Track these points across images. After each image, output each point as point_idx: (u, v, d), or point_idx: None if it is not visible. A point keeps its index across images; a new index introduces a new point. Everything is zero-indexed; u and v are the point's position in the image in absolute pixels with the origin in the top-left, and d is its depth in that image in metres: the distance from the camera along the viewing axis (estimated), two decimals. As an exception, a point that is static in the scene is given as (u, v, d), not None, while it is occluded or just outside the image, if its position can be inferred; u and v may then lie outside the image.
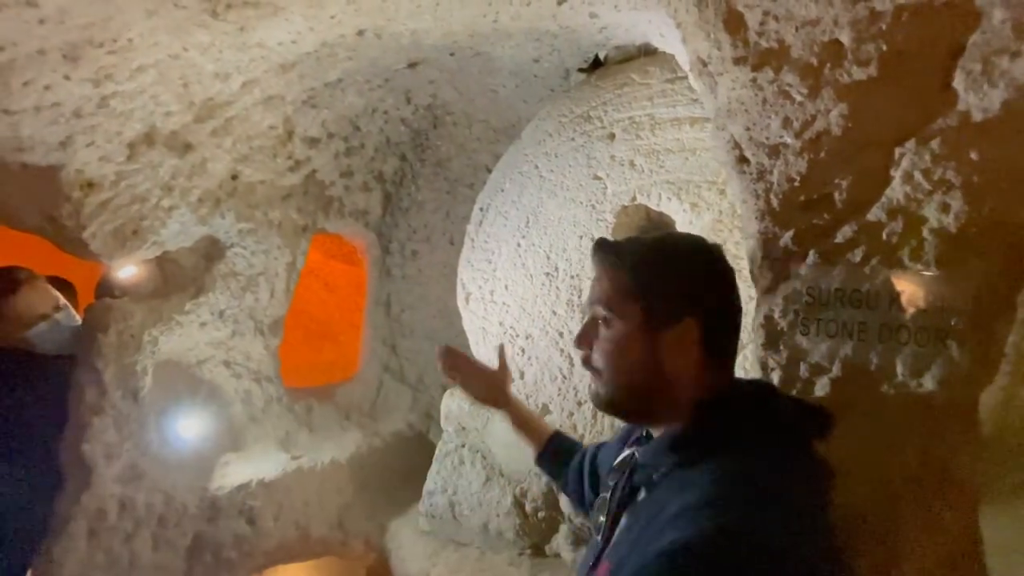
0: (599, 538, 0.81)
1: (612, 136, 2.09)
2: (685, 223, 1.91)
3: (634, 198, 1.99)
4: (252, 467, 2.30)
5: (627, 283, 0.80)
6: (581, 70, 2.48)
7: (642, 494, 0.78)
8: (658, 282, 0.79)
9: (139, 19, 1.27)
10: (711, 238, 1.81)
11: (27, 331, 1.76)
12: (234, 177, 2.23)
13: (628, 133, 2.06)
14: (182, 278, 2.18)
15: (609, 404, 0.82)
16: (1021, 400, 2.18)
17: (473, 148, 3.11)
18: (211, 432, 2.26)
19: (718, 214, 1.83)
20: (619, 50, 2.24)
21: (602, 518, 0.82)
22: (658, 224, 2.01)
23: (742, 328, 0.87)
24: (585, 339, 0.84)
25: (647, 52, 2.13)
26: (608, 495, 0.83)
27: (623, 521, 0.78)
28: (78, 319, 1.90)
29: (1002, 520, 1.96)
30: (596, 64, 2.40)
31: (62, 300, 1.85)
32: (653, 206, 1.97)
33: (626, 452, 0.88)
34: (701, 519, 0.59)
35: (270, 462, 2.36)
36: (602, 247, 0.86)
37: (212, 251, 2.30)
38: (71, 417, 1.81)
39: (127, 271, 2.09)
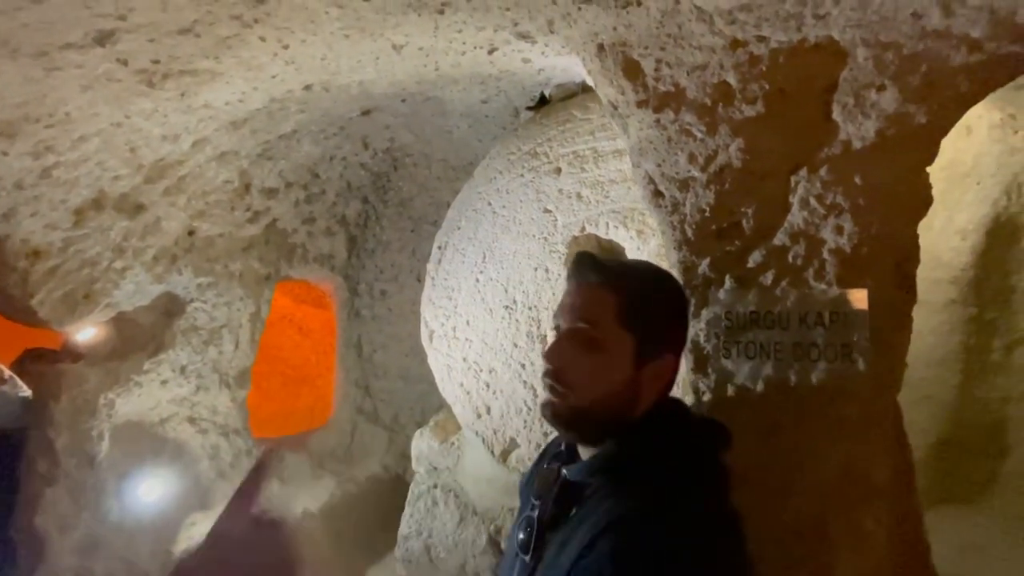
0: (526, 557, 0.81)
1: (559, 170, 2.16)
2: (633, 249, 1.96)
3: (583, 228, 2.05)
4: (220, 526, 2.24)
5: (622, 309, 0.79)
6: (529, 108, 2.57)
7: (573, 511, 0.79)
8: (653, 316, 0.80)
9: (74, 94, 1.31)
10: (658, 263, 1.88)
11: (-28, 406, 1.72)
12: (191, 233, 2.24)
13: (573, 167, 2.13)
14: (140, 337, 2.16)
15: (570, 422, 0.80)
16: (976, 397, 2.24)
17: (434, 187, 3.18)
18: (175, 492, 2.20)
19: (663, 239, 1.89)
20: (561, 88, 2.34)
21: (522, 535, 0.83)
22: (609, 252, 2.07)
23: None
24: (563, 354, 0.80)
25: (586, 89, 2.23)
26: (533, 513, 0.83)
27: (556, 539, 0.78)
28: (26, 389, 1.87)
29: (966, 517, 1.99)
30: (543, 101, 2.50)
31: (7, 372, 1.83)
32: (602, 235, 2.03)
33: (546, 468, 0.88)
34: (639, 527, 0.68)
35: (239, 519, 2.30)
36: (591, 265, 0.83)
37: (171, 307, 2.29)
38: (22, 490, 1.76)
39: (83, 334, 2.07)
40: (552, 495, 0.82)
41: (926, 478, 1.18)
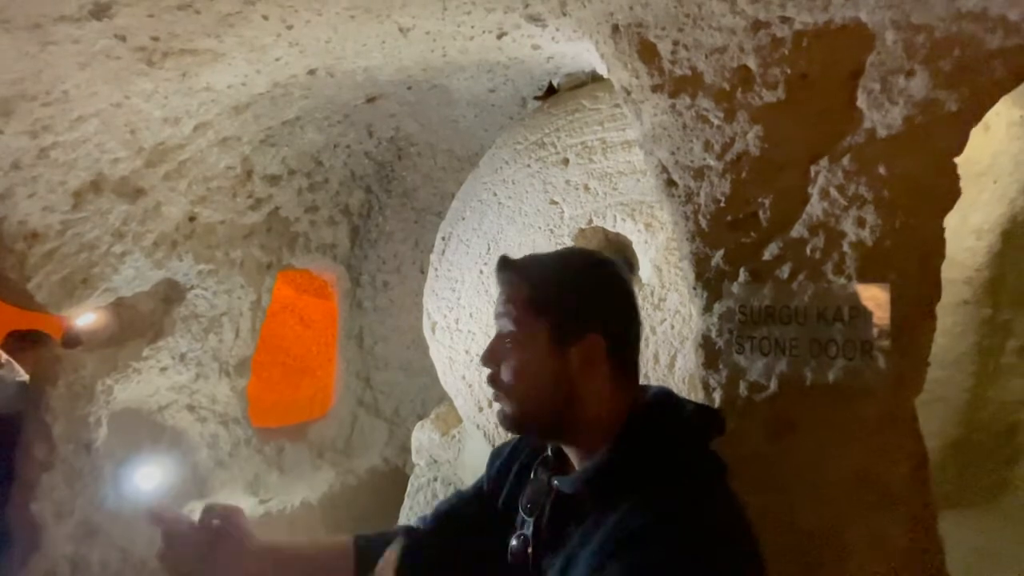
0: None
1: (566, 161, 2.12)
2: (640, 243, 1.93)
3: (590, 221, 2.02)
4: (218, 515, 2.21)
5: (531, 298, 0.78)
6: (536, 98, 2.53)
7: (572, 528, 0.75)
8: (561, 297, 0.78)
9: (72, 71, 1.27)
10: (666, 257, 1.84)
11: (-33, 390, 1.70)
12: (191, 219, 2.21)
13: (581, 158, 2.09)
14: (139, 323, 2.13)
15: (517, 423, 0.80)
16: (989, 400, 2.20)
17: (439, 177, 3.14)
18: (173, 481, 2.19)
19: (671, 233, 1.85)
20: (570, 77, 2.30)
21: (517, 550, 0.78)
22: (616, 245, 2.03)
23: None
24: (492, 356, 0.80)
25: (596, 78, 2.18)
26: (528, 531, 0.78)
27: (558, 558, 0.74)
28: (24, 374, 1.84)
29: (978, 522, 1.96)
30: (551, 91, 2.46)
31: (3, 356, 1.80)
32: (609, 228, 1.99)
33: (536, 478, 0.83)
34: (650, 546, 0.64)
35: (237, 508, 2.28)
36: (504, 265, 0.84)
37: (171, 294, 2.26)
38: (18, 475, 1.74)
39: (83, 320, 2.05)
40: (546, 510, 0.78)
41: (937, 481, 1.14)
